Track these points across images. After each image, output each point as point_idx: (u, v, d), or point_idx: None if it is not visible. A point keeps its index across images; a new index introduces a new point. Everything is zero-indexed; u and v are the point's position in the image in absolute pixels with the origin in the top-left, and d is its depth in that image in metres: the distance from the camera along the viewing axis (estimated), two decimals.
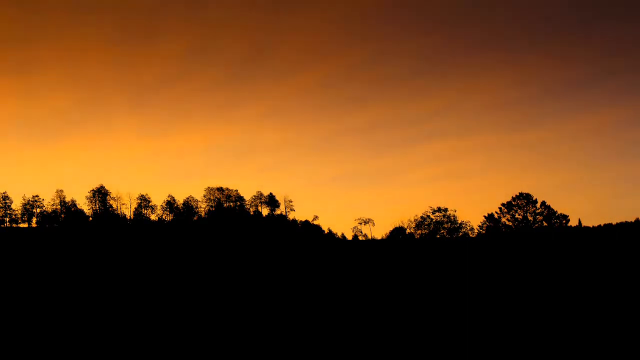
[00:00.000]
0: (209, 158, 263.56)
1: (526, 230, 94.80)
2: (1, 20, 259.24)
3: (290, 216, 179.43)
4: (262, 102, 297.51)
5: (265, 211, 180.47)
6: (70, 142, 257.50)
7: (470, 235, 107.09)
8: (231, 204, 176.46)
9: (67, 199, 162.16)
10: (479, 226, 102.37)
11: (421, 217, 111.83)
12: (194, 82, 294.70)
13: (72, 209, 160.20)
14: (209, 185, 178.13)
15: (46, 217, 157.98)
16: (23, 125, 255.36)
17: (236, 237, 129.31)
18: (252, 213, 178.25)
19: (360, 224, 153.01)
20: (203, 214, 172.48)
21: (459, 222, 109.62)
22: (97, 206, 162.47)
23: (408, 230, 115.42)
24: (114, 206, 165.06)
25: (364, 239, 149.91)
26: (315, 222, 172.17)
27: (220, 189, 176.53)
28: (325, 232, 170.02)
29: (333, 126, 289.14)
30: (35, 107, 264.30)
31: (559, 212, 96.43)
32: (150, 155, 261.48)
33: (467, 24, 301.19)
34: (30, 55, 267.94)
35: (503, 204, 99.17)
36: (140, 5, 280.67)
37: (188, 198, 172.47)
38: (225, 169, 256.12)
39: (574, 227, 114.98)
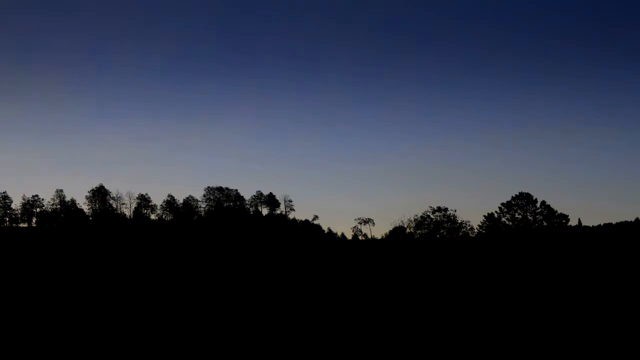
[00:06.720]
0: (209, 158, 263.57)
1: (526, 229, 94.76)
2: None
3: (290, 216, 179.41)
4: (262, 102, 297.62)
5: (265, 211, 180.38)
6: (70, 142, 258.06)
7: (470, 235, 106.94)
8: (231, 203, 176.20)
9: (67, 199, 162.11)
10: (479, 226, 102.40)
11: (421, 216, 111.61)
12: (191, 84, 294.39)
13: (72, 208, 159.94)
14: (208, 185, 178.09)
15: (46, 217, 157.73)
16: (22, 126, 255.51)
17: (236, 236, 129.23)
18: (252, 213, 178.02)
19: (360, 223, 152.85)
20: (203, 214, 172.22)
21: (459, 221, 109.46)
22: (97, 206, 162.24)
23: (408, 230, 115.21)
24: (114, 206, 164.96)
25: (363, 238, 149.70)
26: (315, 222, 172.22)
27: (220, 189, 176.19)
28: (325, 231, 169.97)
29: (332, 127, 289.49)
30: (32, 109, 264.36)
31: (559, 212, 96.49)
32: (151, 155, 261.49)
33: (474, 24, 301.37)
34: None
35: (503, 204, 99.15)
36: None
37: (188, 198, 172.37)
38: (225, 169, 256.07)
39: (574, 226, 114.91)
